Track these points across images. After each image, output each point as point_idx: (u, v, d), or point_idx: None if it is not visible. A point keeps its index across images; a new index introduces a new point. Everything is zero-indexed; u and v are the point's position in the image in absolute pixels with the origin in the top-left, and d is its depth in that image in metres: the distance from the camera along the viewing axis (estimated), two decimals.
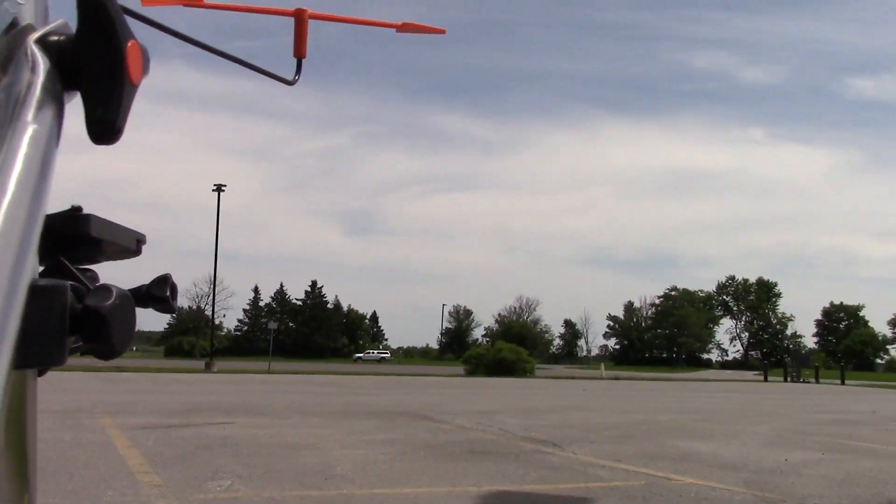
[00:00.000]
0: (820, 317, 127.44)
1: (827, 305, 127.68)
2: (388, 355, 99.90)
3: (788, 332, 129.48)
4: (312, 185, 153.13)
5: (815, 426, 15.18)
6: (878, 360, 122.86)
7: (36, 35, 0.55)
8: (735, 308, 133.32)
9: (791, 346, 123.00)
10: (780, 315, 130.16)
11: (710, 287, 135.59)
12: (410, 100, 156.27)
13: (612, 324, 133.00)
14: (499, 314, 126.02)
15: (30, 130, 0.47)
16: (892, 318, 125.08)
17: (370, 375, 39.49)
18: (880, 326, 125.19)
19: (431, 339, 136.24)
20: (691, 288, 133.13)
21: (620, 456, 9.72)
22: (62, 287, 0.51)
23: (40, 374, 0.59)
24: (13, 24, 0.55)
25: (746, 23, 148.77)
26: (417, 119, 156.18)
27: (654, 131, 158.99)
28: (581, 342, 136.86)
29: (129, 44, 0.55)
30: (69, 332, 0.52)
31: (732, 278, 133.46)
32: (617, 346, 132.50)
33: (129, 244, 0.72)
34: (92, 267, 0.69)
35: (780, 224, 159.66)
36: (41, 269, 0.62)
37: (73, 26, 0.57)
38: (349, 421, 13.52)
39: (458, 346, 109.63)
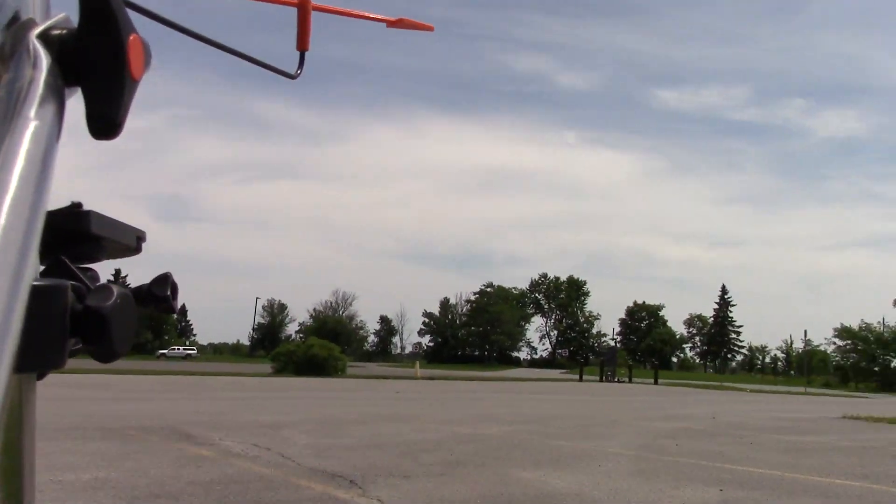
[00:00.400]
0: (624, 316, 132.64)
1: (630, 305, 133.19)
2: (195, 352, 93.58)
3: (594, 330, 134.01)
4: (122, 167, 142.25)
5: (668, 440, 12.75)
6: (674, 359, 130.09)
7: (38, 30, 0.54)
8: (546, 306, 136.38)
9: (596, 344, 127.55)
10: (587, 314, 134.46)
11: (524, 284, 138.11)
12: (230, 83, 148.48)
13: (427, 320, 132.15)
14: (314, 309, 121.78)
15: (31, 127, 0.47)
16: (688, 318, 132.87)
17: (160, 375, 34.50)
18: (677, 326, 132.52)
19: (243, 335, 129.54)
20: (506, 285, 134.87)
21: None
22: (63, 287, 0.50)
23: (40, 377, 0.56)
24: (15, 18, 0.55)
25: (566, 28, 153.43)
26: (237, 104, 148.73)
27: (475, 129, 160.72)
28: (396, 339, 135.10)
29: (131, 38, 0.55)
30: (70, 334, 0.51)
31: (545, 276, 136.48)
32: (431, 344, 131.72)
33: (129, 241, 0.68)
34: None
35: (589, 225, 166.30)
36: (41, 268, 0.59)
37: (74, 20, 0.55)
38: (66, 444, 9.45)
39: (270, 342, 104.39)
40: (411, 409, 18.43)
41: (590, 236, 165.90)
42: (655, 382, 48.04)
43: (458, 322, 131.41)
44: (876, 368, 73.50)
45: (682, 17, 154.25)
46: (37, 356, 0.48)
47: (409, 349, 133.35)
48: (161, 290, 0.68)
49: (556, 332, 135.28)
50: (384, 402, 21.10)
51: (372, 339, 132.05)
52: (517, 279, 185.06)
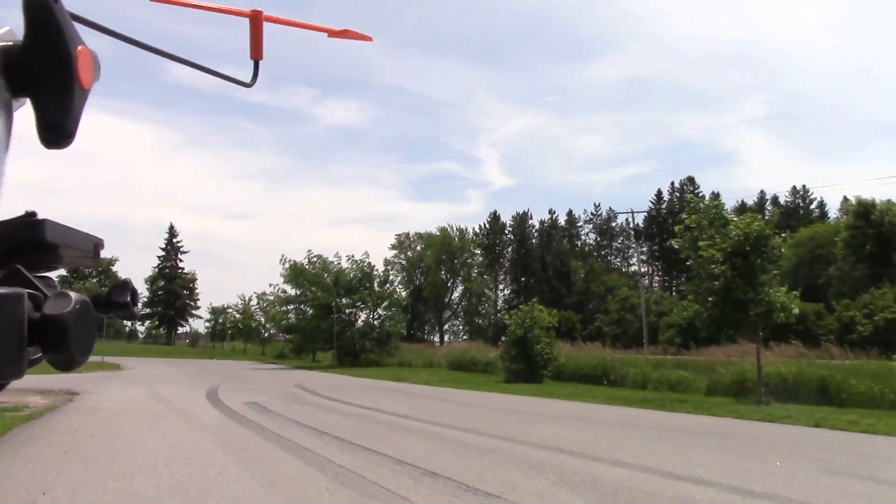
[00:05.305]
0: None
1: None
2: None
3: None
4: None
5: None
6: None
7: None
8: None
9: None
10: None
11: None
12: None
13: None
14: None
15: None
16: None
17: None
18: None
19: None
20: None
21: None
22: (18, 295, 0.49)
23: None
24: None
25: None
26: None
27: None
28: None
29: (79, 49, 0.55)
30: (28, 343, 0.50)
31: None
32: None
33: (86, 249, 0.67)
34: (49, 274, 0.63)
35: (102, 193, 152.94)
36: None
37: (19, 33, 0.55)
38: None
39: None
40: None
41: (102, 206, 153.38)
42: None
43: None
44: None
45: None
46: None
47: None
48: (121, 297, 0.65)
49: None
50: None
51: None
52: None
